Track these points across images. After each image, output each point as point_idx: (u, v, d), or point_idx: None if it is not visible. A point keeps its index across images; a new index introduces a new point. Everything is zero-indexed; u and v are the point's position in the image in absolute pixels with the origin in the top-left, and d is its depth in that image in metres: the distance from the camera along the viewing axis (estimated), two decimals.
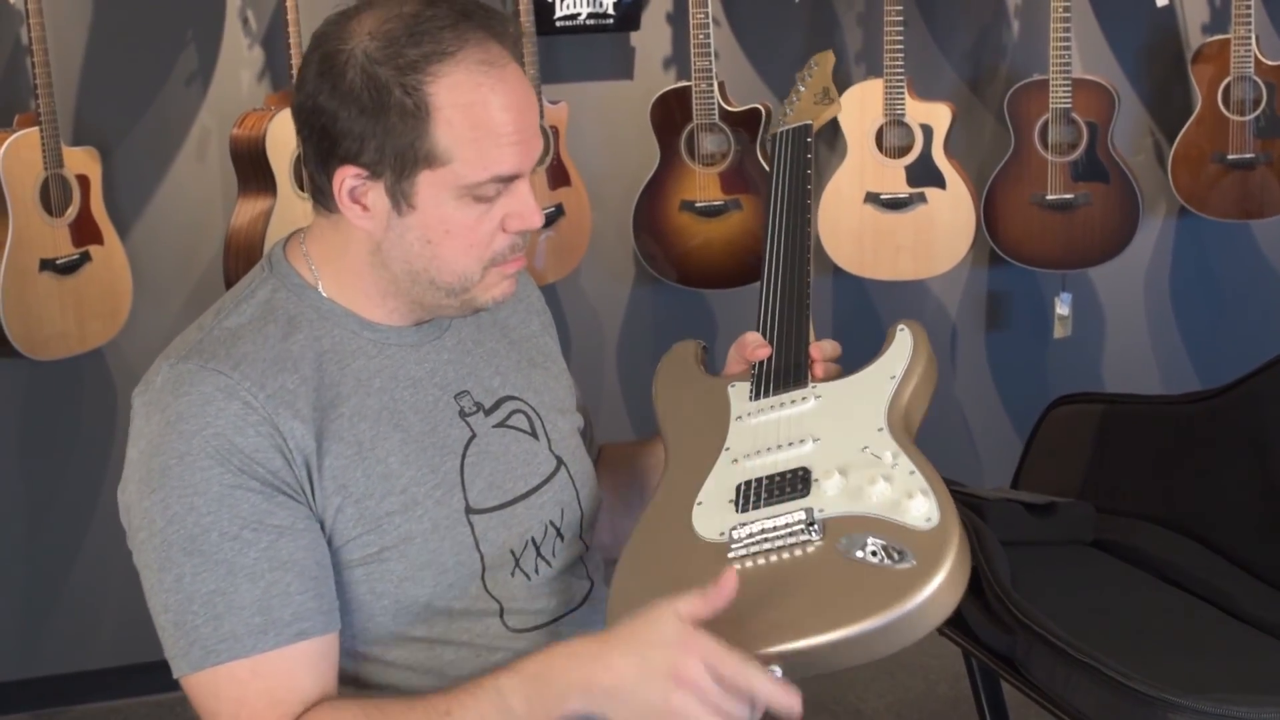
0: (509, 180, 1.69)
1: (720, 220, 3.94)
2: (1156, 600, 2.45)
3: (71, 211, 3.54)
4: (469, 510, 1.77)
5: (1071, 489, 2.76)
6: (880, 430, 1.66)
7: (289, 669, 1.63)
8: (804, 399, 1.76)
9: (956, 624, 2.37)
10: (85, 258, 3.57)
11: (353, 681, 1.76)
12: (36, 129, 3.47)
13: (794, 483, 1.63)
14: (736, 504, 1.65)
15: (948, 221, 3.98)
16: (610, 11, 3.96)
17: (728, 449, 1.75)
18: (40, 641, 3.99)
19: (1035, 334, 4.45)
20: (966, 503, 2.55)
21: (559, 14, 3.91)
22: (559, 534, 1.86)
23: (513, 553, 1.80)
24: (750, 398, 1.82)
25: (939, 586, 1.46)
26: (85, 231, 3.57)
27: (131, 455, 1.70)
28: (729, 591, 1.49)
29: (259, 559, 1.63)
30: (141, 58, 3.79)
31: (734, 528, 1.61)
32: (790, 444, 1.70)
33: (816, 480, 1.61)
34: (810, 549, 1.54)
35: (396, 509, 1.72)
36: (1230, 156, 4.07)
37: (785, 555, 1.55)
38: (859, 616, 1.45)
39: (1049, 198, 4.02)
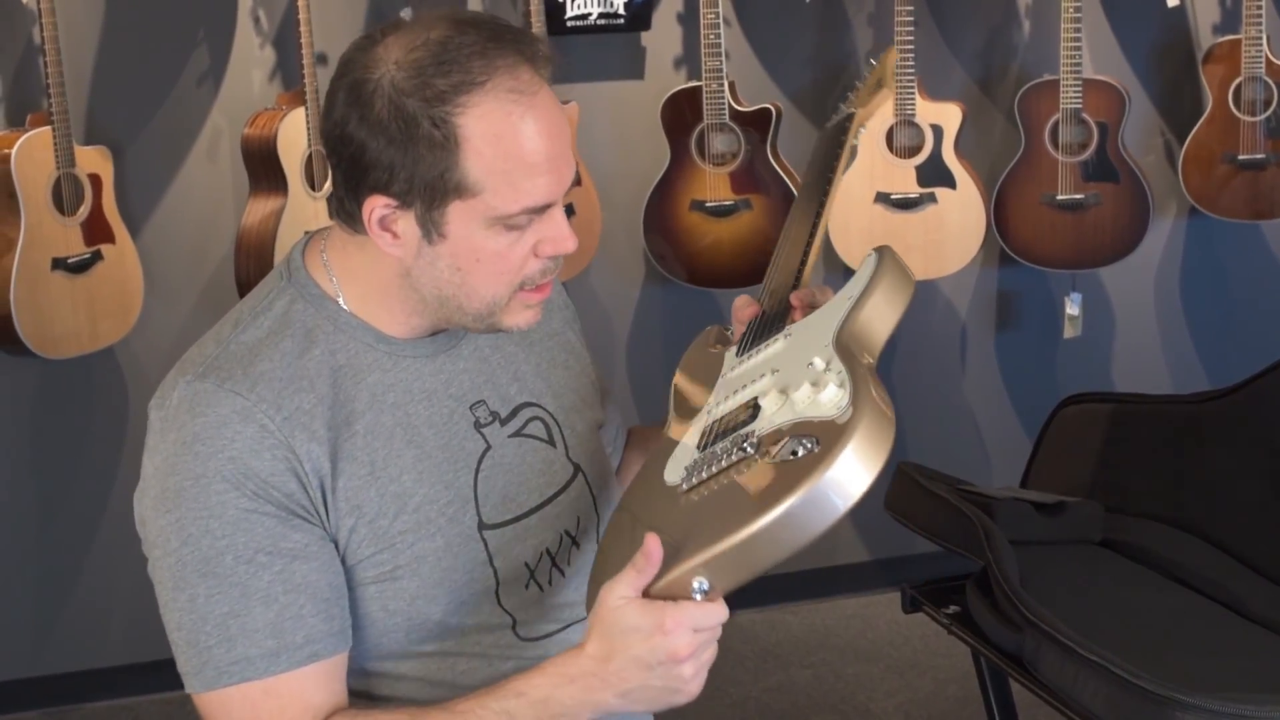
0: (542, 209, 1.68)
1: (730, 220, 3.95)
2: (1165, 600, 2.45)
3: (83, 210, 3.55)
4: (482, 526, 1.76)
5: (1080, 489, 2.76)
6: (826, 346, 1.66)
7: (300, 688, 1.64)
8: (776, 341, 1.78)
9: (965, 623, 2.37)
10: (97, 256, 3.58)
11: (364, 695, 1.77)
12: (49, 128, 3.48)
13: (744, 415, 1.64)
14: (700, 447, 1.66)
15: (958, 221, 3.98)
16: (621, 11, 3.97)
17: (708, 407, 1.77)
18: (51, 639, 4.00)
19: (1045, 334, 4.45)
20: (976, 502, 2.55)
21: (570, 14, 3.92)
22: (574, 542, 1.86)
23: (527, 565, 1.80)
24: (735, 354, 1.84)
25: (840, 464, 1.45)
26: (97, 230, 3.58)
27: (147, 469, 1.69)
28: (655, 556, 1.51)
29: (273, 582, 1.63)
30: (153, 57, 3.80)
31: (688, 468, 1.63)
32: (752, 382, 1.72)
33: (760, 407, 1.62)
34: (747, 468, 1.55)
35: (409, 528, 1.71)
36: (1241, 157, 4.07)
37: (725, 480, 1.56)
38: (760, 510, 1.46)
39: (1059, 198, 4.02)
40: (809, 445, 1.49)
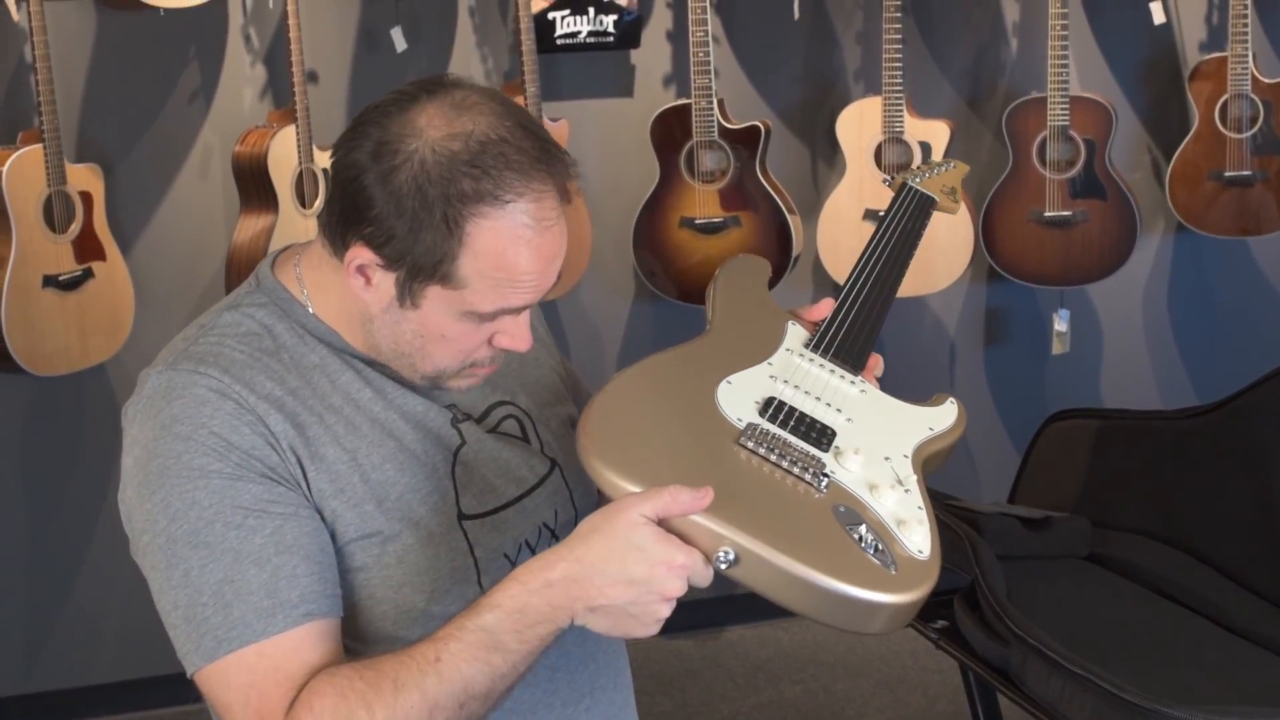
0: (515, 311, 1.72)
1: (720, 237, 3.96)
2: (1150, 613, 2.46)
3: (74, 228, 3.56)
4: (462, 516, 1.79)
5: (1067, 504, 2.77)
6: (905, 457, 1.72)
7: (295, 648, 1.64)
8: (853, 382, 1.82)
9: (953, 637, 2.38)
10: (88, 274, 3.59)
11: None
12: (40, 146, 3.49)
13: (820, 433, 1.67)
14: (762, 410, 1.69)
15: (947, 238, 4.00)
16: (610, 30, 3.98)
17: (770, 364, 1.79)
18: (43, 656, 4.00)
19: (1034, 350, 4.47)
20: (963, 517, 2.56)
21: (559, 32, 3.93)
22: (554, 535, 1.88)
23: (507, 556, 1.81)
24: (806, 344, 1.86)
25: (898, 605, 1.51)
26: (88, 248, 3.59)
27: (127, 463, 1.71)
28: (703, 504, 1.52)
29: (264, 544, 1.65)
30: (144, 75, 3.81)
31: (753, 422, 1.65)
32: (829, 405, 1.74)
33: (839, 448, 1.65)
34: (811, 491, 1.58)
35: (393, 515, 1.74)
36: (1228, 174, 4.09)
37: (787, 479, 1.59)
38: (828, 571, 1.49)
39: (1047, 215, 4.04)
40: (881, 553, 1.53)
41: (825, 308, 1.94)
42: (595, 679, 1.88)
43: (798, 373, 1.79)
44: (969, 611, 2.34)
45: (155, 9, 3.54)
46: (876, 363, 1.90)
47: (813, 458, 1.63)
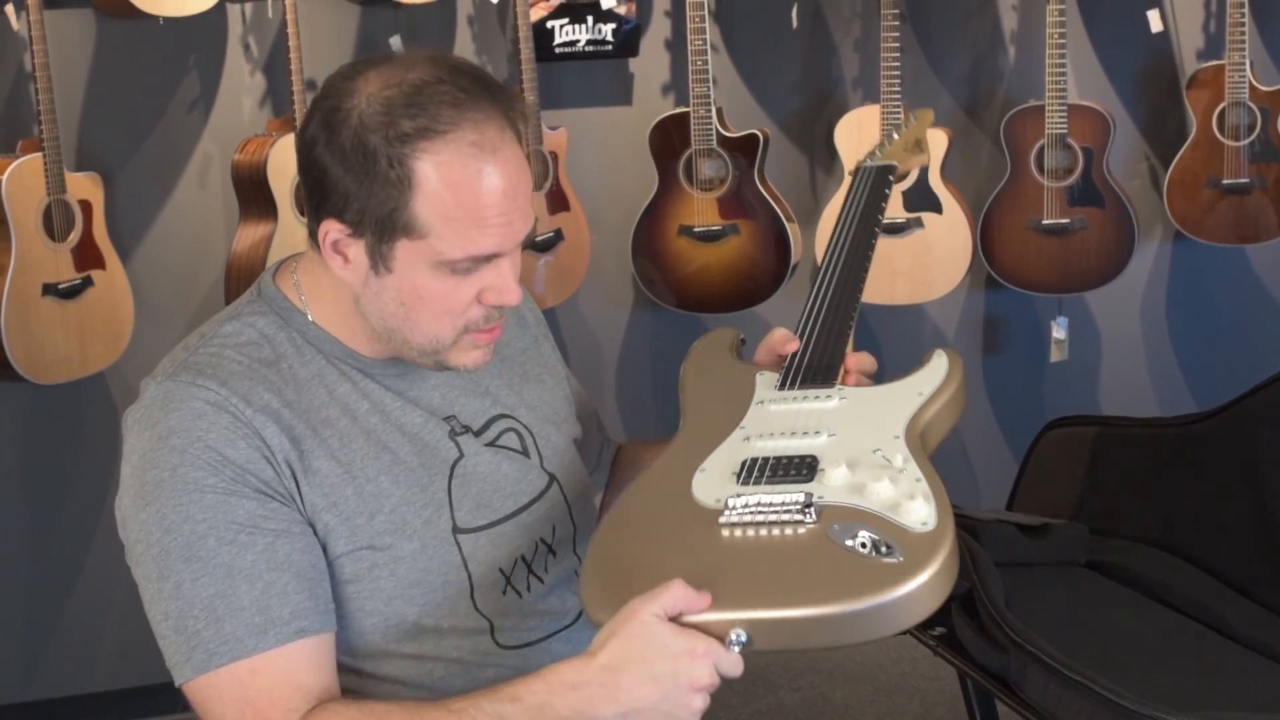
0: (489, 259, 1.71)
1: (718, 245, 3.97)
2: (1149, 620, 2.46)
3: (74, 236, 3.56)
4: (456, 530, 1.79)
5: (1065, 511, 2.78)
6: (896, 438, 1.70)
7: (289, 666, 1.65)
8: (829, 398, 1.81)
9: (951, 644, 2.39)
10: (87, 282, 3.59)
11: (344, 693, 1.78)
12: (39, 155, 3.49)
13: (800, 467, 1.66)
14: (739, 477, 1.68)
15: (944, 246, 4.00)
16: (609, 38, 3.99)
17: (742, 428, 1.79)
18: (42, 664, 4.00)
19: (1032, 357, 4.47)
20: (961, 524, 2.56)
21: (558, 40, 3.94)
22: (551, 550, 1.88)
23: (502, 571, 1.81)
24: (776, 387, 1.86)
25: (919, 586, 1.49)
26: (87, 256, 3.59)
27: (125, 471, 1.73)
28: (703, 605, 1.51)
29: (256, 560, 1.66)
30: (144, 84, 3.81)
31: (731, 496, 1.64)
32: (805, 433, 1.73)
33: (823, 470, 1.64)
34: (802, 530, 1.57)
35: (386, 529, 1.74)
36: (1225, 181, 4.10)
37: (776, 531, 1.57)
38: (833, 599, 1.48)
39: (1045, 222, 4.04)
40: (885, 549, 1.51)
41: (771, 337, 1.93)
42: None
43: (770, 421, 1.78)
44: (967, 618, 2.34)
45: (155, 18, 3.55)
46: (865, 363, 1.89)
47: (794, 501, 1.61)
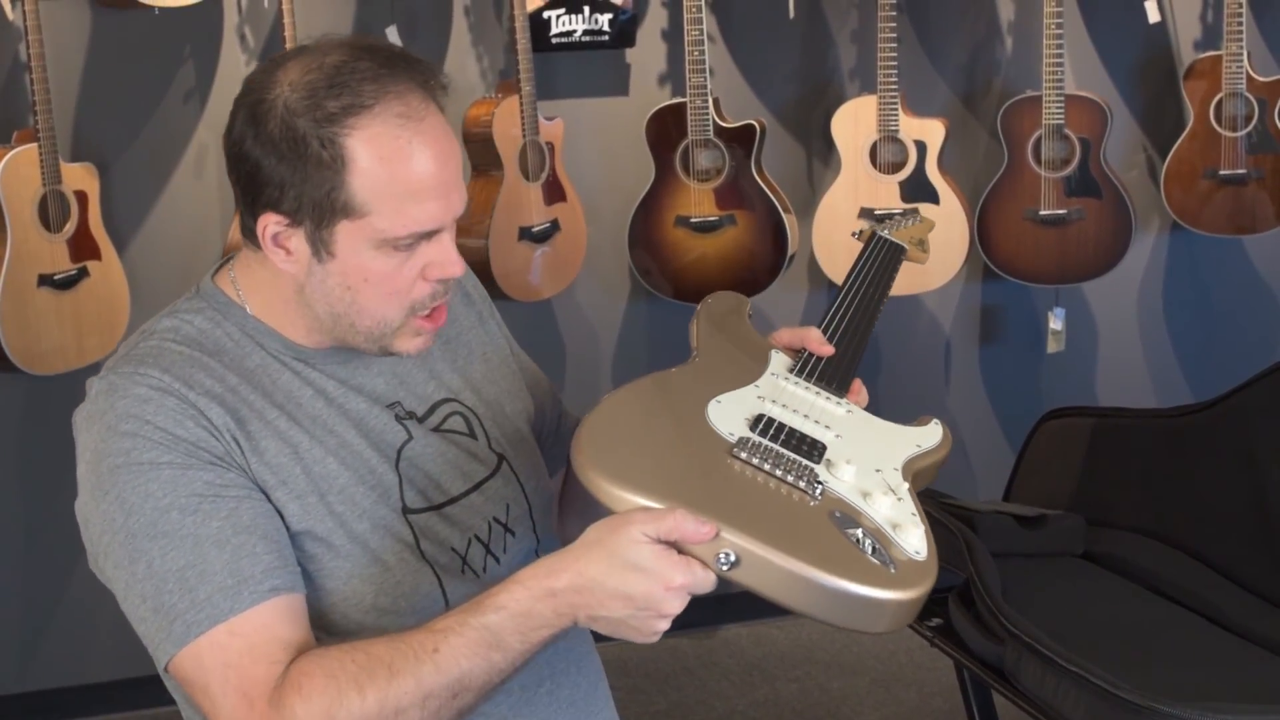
0: (429, 235, 1.72)
1: (715, 235, 3.96)
2: (1145, 611, 2.47)
3: (70, 227, 3.56)
4: (406, 510, 1.80)
5: (1062, 502, 2.78)
6: (896, 469, 1.74)
7: (267, 623, 1.65)
8: (838, 404, 1.84)
9: (948, 635, 2.39)
10: (83, 273, 3.59)
11: None
12: (35, 145, 3.49)
13: (811, 447, 1.69)
14: (752, 425, 1.70)
15: (942, 236, 4.00)
16: (606, 29, 3.98)
17: (757, 386, 1.82)
18: (37, 655, 4.00)
19: (1029, 348, 4.47)
20: (958, 515, 2.57)
21: (555, 31, 3.93)
22: (507, 529, 1.88)
23: (455, 550, 1.82)
24: (790, 370, 1.89)
25: (900, 601, 1.52)
26: (83, 247, 3.59)
27: (80, 471, 1.74)
28: (705, 537, 1.53)
29: (222, 526, 1.67)
30: (140, 74, 3.81)
31: (745, 438, 1.67)
32: (817, 421, 1.77)
33: (830, 461, 1.67)
34: (806, 499, 1.60)
35: (336, 510, 1.75)
36: (1222, 172, 4.10)
37: (782, 487, 1.60)
38: (830, 568, 1.50)
39: (1042, 213, 4.04)
40: (880, 554, 1.54)
41: (806, 332, 1.96)
42: (553, 663, 1.88)
43: (784, 394, 1.82)
44: (964, 609, 2.35)
45: (150, 8, 3.55)
46: (863, 395, 1.92)
47: (806, 467, 1.64)
